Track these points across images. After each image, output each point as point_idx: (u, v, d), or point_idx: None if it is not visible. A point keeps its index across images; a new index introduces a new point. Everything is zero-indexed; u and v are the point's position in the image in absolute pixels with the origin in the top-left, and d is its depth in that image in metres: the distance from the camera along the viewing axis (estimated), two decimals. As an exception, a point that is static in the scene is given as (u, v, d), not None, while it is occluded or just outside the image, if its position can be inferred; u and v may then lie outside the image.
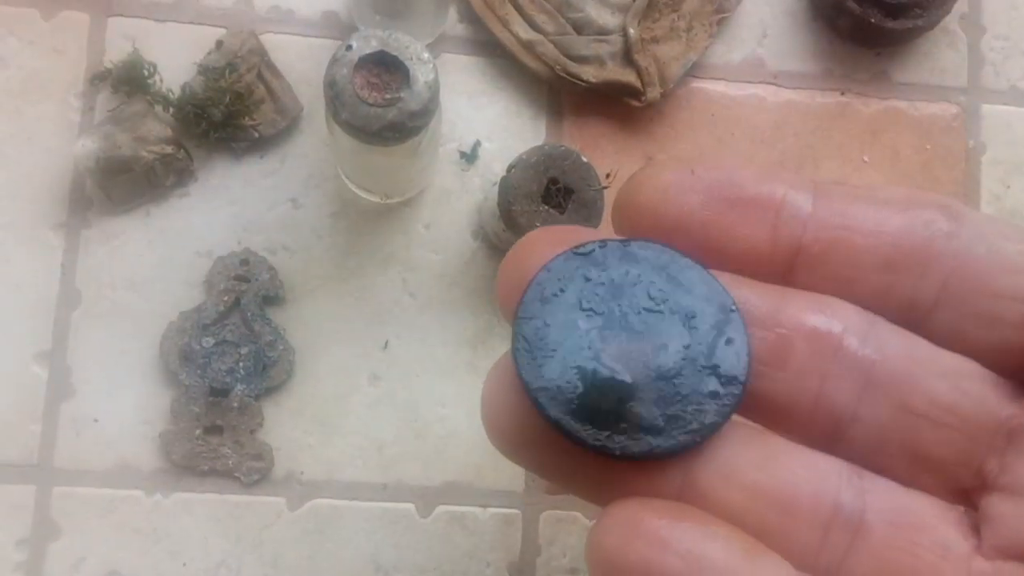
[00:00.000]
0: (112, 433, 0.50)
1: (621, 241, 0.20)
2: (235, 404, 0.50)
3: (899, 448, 0.20)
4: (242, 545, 0.49)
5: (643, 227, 0.20)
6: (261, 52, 0.51)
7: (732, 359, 0.19)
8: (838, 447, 0.20)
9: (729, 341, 0.19)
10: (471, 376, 0.52)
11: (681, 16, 0.53)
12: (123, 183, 0.49)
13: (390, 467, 0.51)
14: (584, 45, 0.53)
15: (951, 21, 0.56)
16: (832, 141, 0.55)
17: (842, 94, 0.56)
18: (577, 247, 0.20)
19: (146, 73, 0.50)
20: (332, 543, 0.50)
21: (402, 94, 0.41)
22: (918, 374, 0.19)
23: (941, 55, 0.56)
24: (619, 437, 0.19)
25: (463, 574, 0.50)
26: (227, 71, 0.50)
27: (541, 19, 0.53)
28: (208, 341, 0.50)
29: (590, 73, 0.52)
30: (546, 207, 0.47)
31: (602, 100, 0.54)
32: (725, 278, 0.20)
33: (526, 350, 0.19)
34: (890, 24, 0.53)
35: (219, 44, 0.51)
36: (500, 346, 0.52)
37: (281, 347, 0.50)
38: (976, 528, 0.19)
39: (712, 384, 0.19)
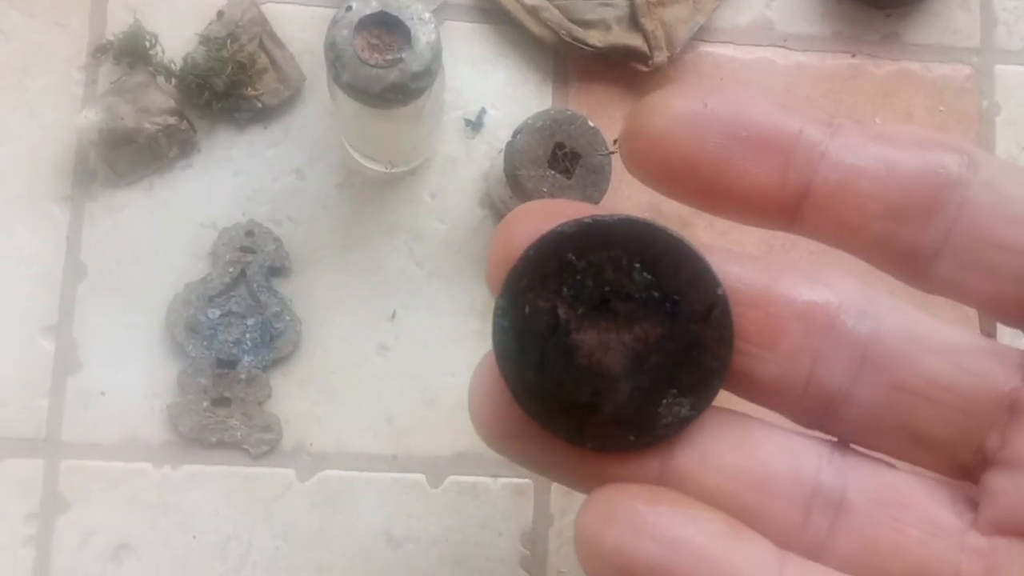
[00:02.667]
0: (119, 406, 0.49)
1: (608, 219, 0.19)
2: (242, 376, 0.49)
3: (895, 428, 0.19)
4: (252, 517, 0.49)
5: (650, 159, 0.19)
6: (262, 22, 0.51)
7: (712, 349, 0.19)
8: (831, 424, 0.20)
9: (712, 328, 0.19)
10: (480, 345, 0.51)
11: (687, -22, 0.53)
12: (126, 155, 0.49)
13: (400, 438, 0.51)
14: (589, 9, 0.52)
15: (963, -19, 0.55)
16: (843, 104, 0.54)
17: (853, 56, 0.55)
18: (562, 226, 0.19)
19: (148, 44, 0.50)
20: (342, 514, 0.50)
21: (403, 55, 0.40)
22: (915, 352, 0.19)
23: (953, 15, 0.55)
24: (594, 431, 0.19)
25: (475, 544, 0.50)
26: (228, 41, 0.50)
27: (545, -16, 0.52)
28: (214, 312, 0.49)
29: (596, 38, 0.52)
30: (553, 172, 0.46)
31: (608, 65, 0.53)
32: (715, 254, 0.19)
33: (504, 340, 0.19)
34: (900, -14, 0.52)
35: (220, 14, 0.51)
36: (508, 315, 0.52)
37: (288, 318, 0.50)
38: (973, 505, 0.19)
39: (689, 377, 0.19)
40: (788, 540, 0.19)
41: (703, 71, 0.54)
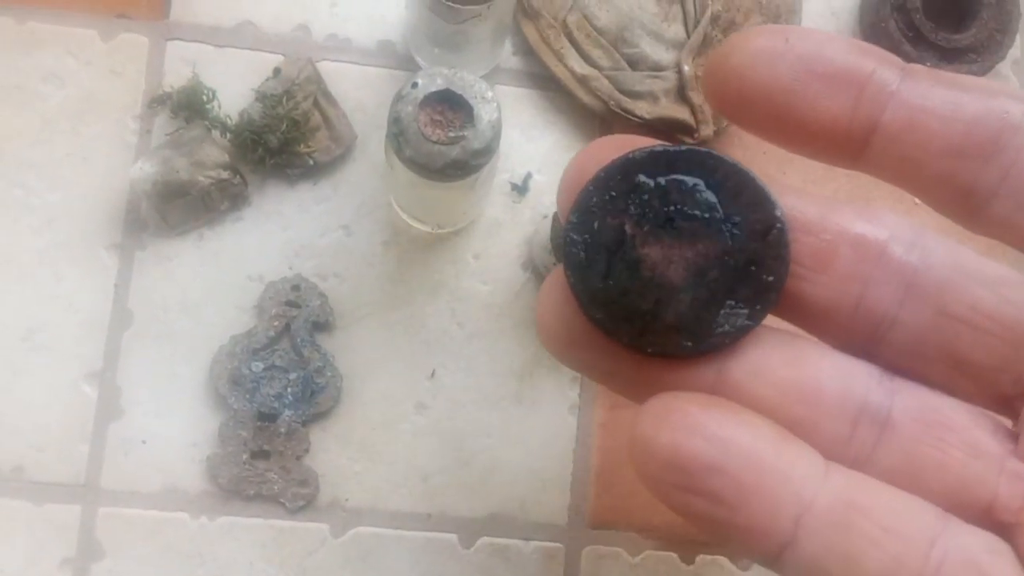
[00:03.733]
0: (160, 455, 0.50)
1: (675, 148, 0.20)
2: (282, 429, 0.50)
3: (938, 352, 0.20)
4: (285, 571, 0.50)
5: (730, 91, 0.20)
6: (318, 80, 0.52)
7: (770, 265, 0.20)
8: (877, 350, 0.20)
9: (769, 247, 0.20)
10: (517, 407, 0.52)
11: (736, 54, 0.54)
12: (179, 207, 0.50)
13: (434, 497, 0.51)
14: (638, 81, 0.53)
15: (1004, 66, 0.55)
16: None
17: (894, 135, 0.55)
18: (631, 152, 0.20)
19: (205, 99, 0.50)
20: (375, 572, 0.50)
21: (466, 132, 0.41)
22: (961, 281, 0.20)
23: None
24: (653, 336, 0.20)
25: (504, 606, 0.50)
26: (284, 98, 0.50)
27: (596, 54, 0.53)
28: (258, 366, 0.50)
29: (644, 109, 0.53)
30: (599, 243, 0.47)
31: (654, 136, 0.54)
32: (776, 186, 0.20)
33: (573, 252, 0.20)
34: (945, 68, 0.53)
35: (277, 71, 0.51)
36: (547, 378, 0.52)
37: (329, 373, 0.51)
38: (1013, 436, 0.20)
39: (746, 290, 0.20)
40: (834, 452, 0.19)
41: (747, 143, 0.55)
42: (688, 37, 0.53)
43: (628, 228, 0.20)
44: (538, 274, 0.53)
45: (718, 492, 0.18)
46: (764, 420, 0.19)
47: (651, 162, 0.20)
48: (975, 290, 0.20)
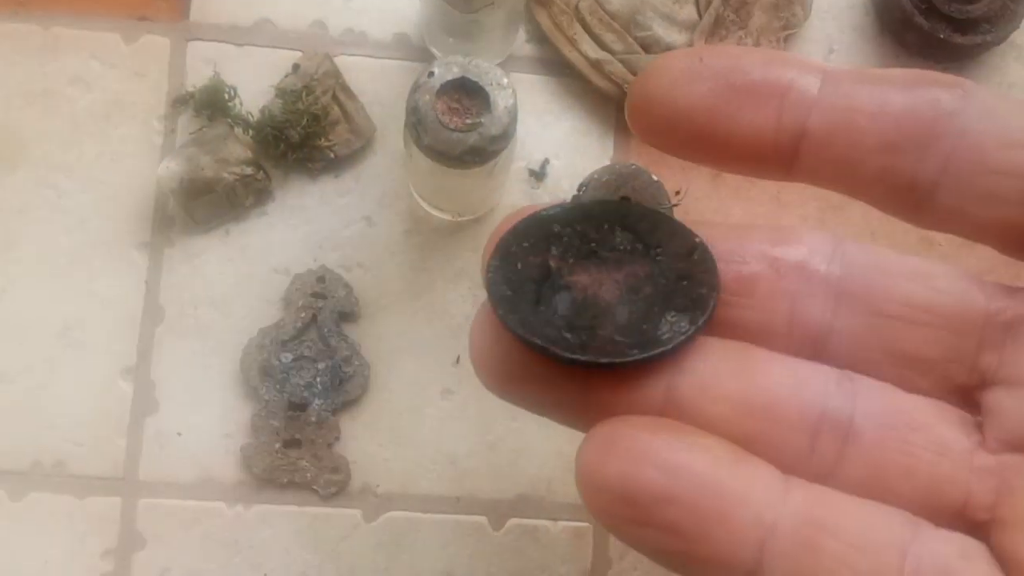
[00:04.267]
0: (195, 446, 0.51)
1: (585, 198, 0.20)
2: (313, 418, 0.51)
3: (882, 353, 0.20)
4: (320, 556, 0.51)
5: (653, 118, 0.20)
6: (336, 74, 0.53)
7: (701, 279, 0.19)
8: (822, 362, 0.20)
9: (696, 264, 0.20)
10: (541, 391, 0.53)
11: (748, 33, 0.54)
12: (205, 203, 0.51)
13: (463, 480, 0.52)
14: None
15: (1019, 35, 0.55)
16: (899, 156, 0.55)
17: (909, 109, 0.56)
18: (544, 208, 0.20)
19: (227, 97, 0.51)
20: (407, 555, 0.51)
21: (483, 119, 0.42)
22: (888, 280, 0.20)
23: (1009, 69, 0.56)
24: (596, 347, 0.19)
25: (535, 586, 0.51)
26: (304, 93, 0.51)
27: (609, 38, 0.53)
28: (287, 357, 0.51)
29: (658, 91, 0.53)
30: (618, 225, 0.48)
31: (669, 117, 0.54)
32: (688, 222, 0.20)
33: (500, 290, 0.20)
34: (959, 39, 0.53)
35: (295, 67, 0.52)
36: (570, 361, 0.53)
37: (357, 362, 0.52)
38: (979, 426, 0.19)
39: (683, 300, 0.19)
40: (795, 466, 0.19)
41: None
42: (700, 18, 0.54)
43: (552, 263, 0.20)
44: (558, 258, 0.53)
45: (674, 523, 0.17)
46: (717, 440, 0.18)
47: (565, 212, 0.20)
48: (904, 285, 0.20)
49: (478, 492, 0.52)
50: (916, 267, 0.20)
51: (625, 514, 0.17)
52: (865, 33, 0.56)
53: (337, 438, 0.51)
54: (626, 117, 0.21)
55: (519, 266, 0.20)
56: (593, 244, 0.20)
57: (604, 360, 0.19)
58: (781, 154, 0.20)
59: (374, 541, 0.51)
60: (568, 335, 0.19)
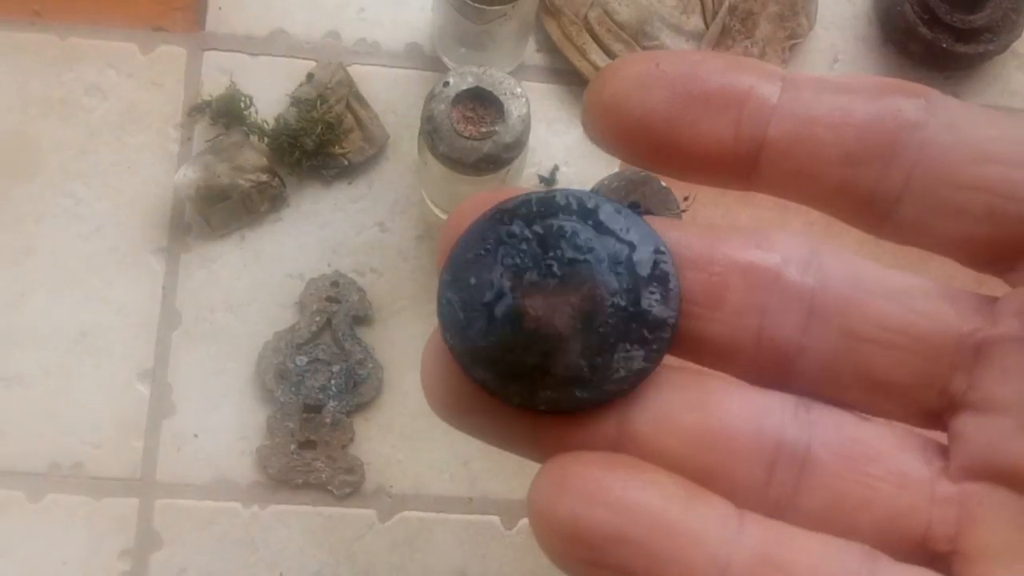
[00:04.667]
0: (211, 448, 0.52)
1: (548, 193, 0.19)
2: (328, 420, 0.52)
3: (853, 377, 0.19)
4: (335, 555, 0.52)
5: (607, 124, 0.19)
6: (349, 83, 0.54)
7: (660, 303, 0.19)
8: (788, 382, 0.19)
9: (657, 284, 0.19)
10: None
11: (754, 42, 0.55)
12: (221, 210, 0.52)
13: (475, 481, 0.53)
14: (659, 72, 0.54)
15: (1021, 44, 0.56)
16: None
17: (912, 116, 0.57)
18: (501, 204, 0.19)
19: (243, 105, 0.52)
20: (421, 554, 0.52)
21: (497, 127, 0.43)
22: (863, 298, 0.19)
23: (1011, 78, 0.57)
24: (545, 392, 0.19)
25: (546, 585, 0.52)
26: (318, 102, 0.52)
27: (617, 48, 0.54)
28: (302, 360, 0.52)
29: (666, 99, 0.54)
30: (627, 231, 0.49)
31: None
32: (657, 222, 0.19)
33: (449, 312, 0.19)
34: (961, 49, 0.54)
35: (310, 76, 0.53)
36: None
37: (370, 365, 0.53)
38: (943, 452, 0.19)
39: (639, 331, 0.19)
40: (751, 499, 0.18)
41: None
42: (707, 28, 0.55)
43: (506, 281, 0.19)
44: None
45: (626, 564, 0.17)
46: (670, 476, 0.18)
47: (524, 210, 0.19)
48: (880, 305, 0.19)
49: (490, 492, 0.53)
50: (893, 283, 0.19)
51: (577, 555, 0.17)
52: (869, 43, 0.57)
53: (351, 439, 0.52)
54: (581, 123, 0.20)
55: (472, 281, 0.19)
56: (551, 255, 0.19)
57: (551, 408, 0.19)
58: (740, 164, 0.19)
59: (388, 541, 0.52)
60: (519, 377, 0.19)
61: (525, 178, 0.55)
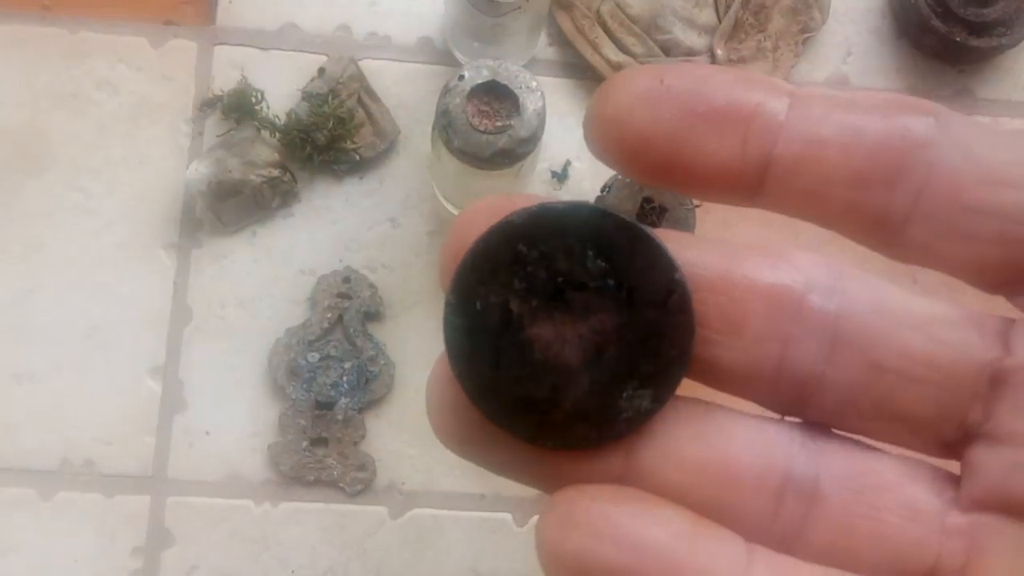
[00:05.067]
0: (223, 445, 0.52)
1: (558, 206, 0.18)
2: (339, 417, 0.51)
3: (874, 409, 0.19)
4: (347, 553, 0.51)
5: (611, 139, 0.19)
6: (360, 78, 0.53)
7: (672, 337, 0.18)
8: (807, 411, 0.19)
9: (671, 315, 0.18)
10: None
11: (767, 36, 0.55)
12: (232, 205, 0.52)
13: (487, 478, 0.53)
14: (672, 66, 0.54)
15: (1035, 37, 0.56)
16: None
17: (925, 111, 0.56)
18: (511, 216, 0.18)
19: (254, 100, 0.52)
20: (433, 551, 0.52)
21: (512, 121, 0.42)
22: (888, 327, 0.18)
23: (1023, 72, 0.57)
24: (554, 428, 0.18)
25: (558, 582, 0.52)
26: (330, 97, 0.52)
27: (630, 41, 0.54)
28: (313, 356, 0.52)
29: (679, 94, 0.54)
30: (641, 226, 0.48)
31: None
32: (673, 240, 0.19)
33: (456, 339, 0.18)
34: (975, 42, 0.54)
35: (321, 71, 0.53)
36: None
37: (382, 361, 0.52)
38: (954, 482, 0.19)
39: (650, 366, 0.18)
40: (759, 533, 0.18)
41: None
42: (719, 22, 0.54)
43: (514, 306, 0.18)
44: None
45: None
46: (678, 510, 0.17)
47: (533, 226, 0.18)
48: (904, 335, 0.18)
49: (502, 489, 0.53)
50: (919, 312, 0.18)
51: None
52: (882, 36, 0.57)
53: (363, 436, 0.52)
54: (584, 137, 0.19)
55: (478, 306, 0.18)
56: (560, 278, 0.18)
57: (560, 445, 0.18)
58: (746, 183, 0.18)
59: (400, 538, 0.52)
60: (527, 411, 0.18)
61: (537, 172, 0.55)
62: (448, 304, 0.18)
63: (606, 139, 0.19)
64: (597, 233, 0.18)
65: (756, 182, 0.18)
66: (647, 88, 0.18)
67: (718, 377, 0.19)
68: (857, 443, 0.19)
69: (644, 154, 0.18)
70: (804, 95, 0.18)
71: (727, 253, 0.19)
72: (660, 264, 0.18)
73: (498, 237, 0.18)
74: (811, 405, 0.19)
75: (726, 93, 0.18)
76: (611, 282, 0.18)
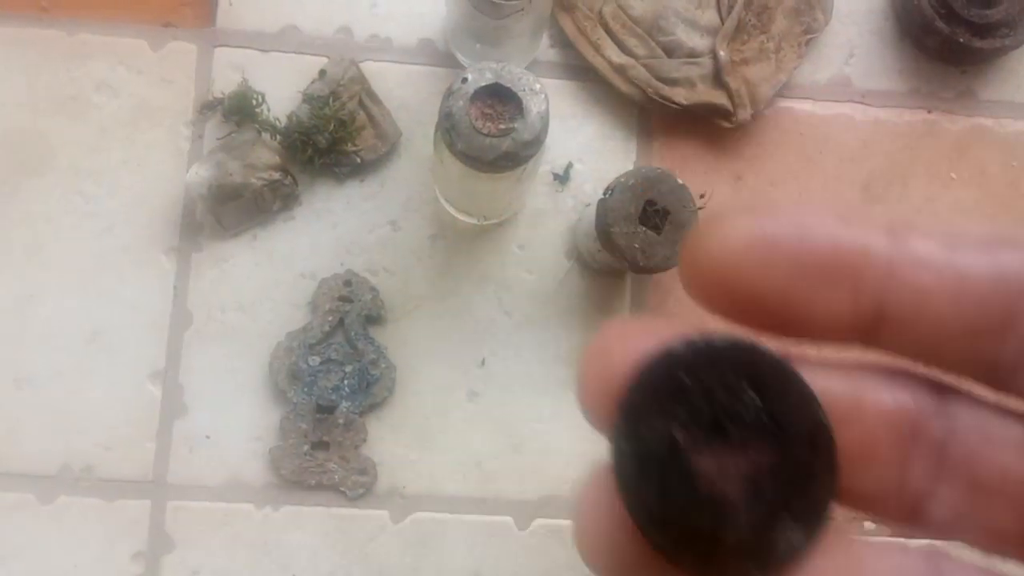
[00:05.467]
0: (223, 449, 0.51)
1: (715, 339, 0.19)
2: (340, 420, 0.51)
3: (977, 526, 0.19)
4: (348, 557, 0.51)
5: (717, 297, 0.19)
6: (362, 80, 0.53)
7: (821, 477, 0.19)
8: (916, 527, 0.20)
9: (819, 456, 0.19)
10: (566, 392, 0.53)
11: (770, 37, 0.54)
12: (233, 208, 0.51)
13: (489, 481, 0.52)
14: (675, 68, 0.54)
15: (1038, 39, 0.56)
16: (919, 159, 0.56)
17: (929, 112, 0.56)
18: (672, 346, 0.19)
19: (255, 103, 0.52)
20: (434, 555, 0.52)
21: (516, 124, 0.42)
22: (988, 449, 0.19)
23: (1027, 72, 0.57)
24: (719, 561, 0.18)
25: (561, 586, 0.52)
26: (331, 99, 0.52)
27: (632, 43, 0.54)
28: (314, 360, 0.51)
29: (681, 95, 0.54)
30: (643, 228, 0.48)
31: (691, 121, 0.55)
32: (804, 368, 0.19)
33: (627, 466, 0.18)
34: (978, 43, 0.54)
35: (322, 73, 0.53)
36: (595, 363, 0.53)
37: (383, 365, 0.52)
38: None
39: (801, 504, 0.19)
40: None
41: (783, 126, 0.56)
42: (722, 23, 0.54)
43: (679, 435, 0.18)
44: (582, 262, 0.54)
45: None
46: None
47: (693, 358, 0.19)
48: (1003, 456, 0.19)
49: (504, 493, 0.52)
50: (1016, 433, 0.19)
51: None
52: (885, 37, 0.57)
53: (364, 440, 0.52)
54: (682, 285, 0.19)
55: (643, 432, 0.19)
56: (720, 410, 0.19)
57: None
58: (859, 333, 0.19)
59: (401, 542, 0.52)
60: (693, 542, 0.19)
61: (539, 175, 0.54)
62: (616, 428, 0.19)
63: (711, 295, 0.19)
64: (751, 369, 0.19)
65: (870, 333, 0.19)
66: (746, 240, 0.18)
67: (851, 500, 0.19)
68: (974, 568, 0.19)
69: (753, 309, 0.19)
70: (903, 231, 0.18)
71: (850, 378, 0.19)
72: (807, 403, 0.19)
73: (661, 366, 0.19)
74: (920, 521, 0.19)
75: (831, 240, 0.18)
76: (765, 418, 0.18)
